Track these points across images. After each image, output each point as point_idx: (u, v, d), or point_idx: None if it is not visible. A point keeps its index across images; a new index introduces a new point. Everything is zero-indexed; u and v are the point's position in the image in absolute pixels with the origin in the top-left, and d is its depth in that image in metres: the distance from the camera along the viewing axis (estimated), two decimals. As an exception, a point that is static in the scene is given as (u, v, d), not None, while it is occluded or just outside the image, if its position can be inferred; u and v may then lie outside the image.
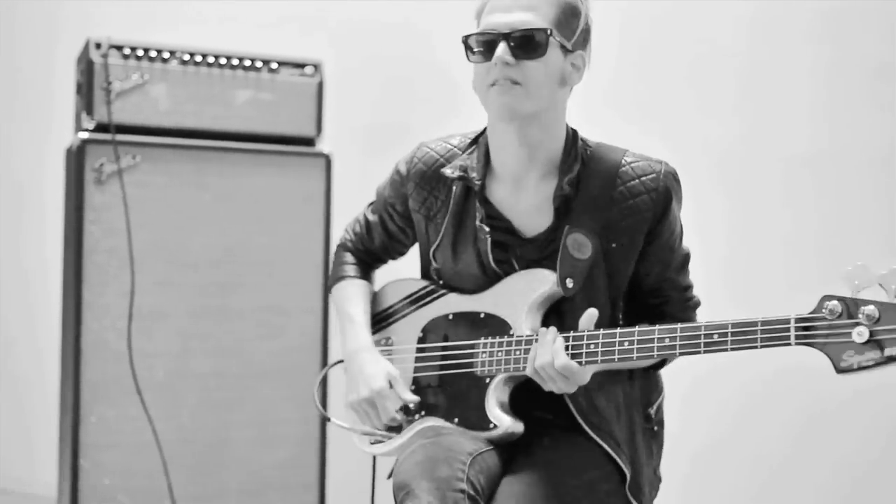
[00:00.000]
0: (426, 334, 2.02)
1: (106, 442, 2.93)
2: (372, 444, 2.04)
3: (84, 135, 2.94)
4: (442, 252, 1.99)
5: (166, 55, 3.02)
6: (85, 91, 2.96)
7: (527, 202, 1.92)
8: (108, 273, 2.94)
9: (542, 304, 1.88)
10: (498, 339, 1.88)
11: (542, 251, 1.90)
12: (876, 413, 2.94)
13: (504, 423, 1.85)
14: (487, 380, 1.89)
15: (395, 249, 2.18)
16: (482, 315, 1.94)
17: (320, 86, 3.21)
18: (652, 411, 1.98)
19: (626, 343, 1.74)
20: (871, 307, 1.50)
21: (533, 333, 1.85)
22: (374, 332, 2.10)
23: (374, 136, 3.83)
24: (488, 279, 1.95)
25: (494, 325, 1.91)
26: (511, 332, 1.88)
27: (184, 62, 3.05)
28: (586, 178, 1.89)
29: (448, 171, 1.96)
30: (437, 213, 1.99)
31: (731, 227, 3.13)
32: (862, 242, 2.95)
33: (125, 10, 3.64)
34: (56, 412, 3.10)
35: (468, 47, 1.87)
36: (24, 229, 3.66)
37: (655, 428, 1.99)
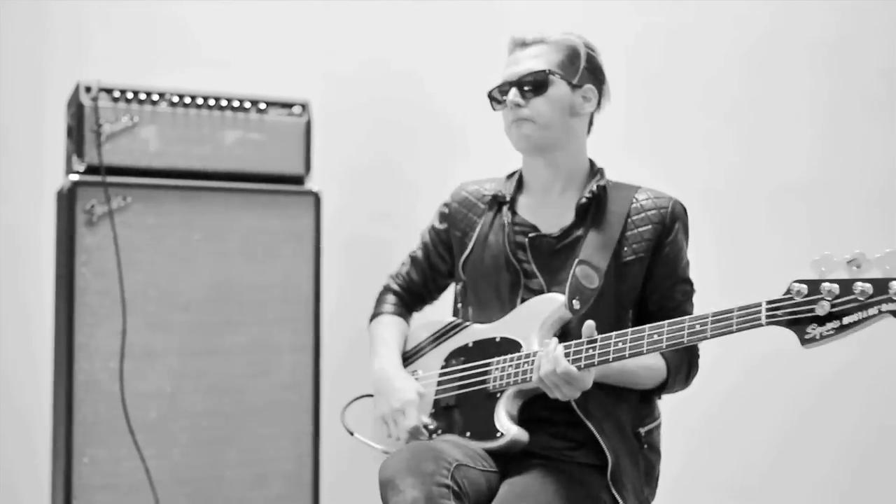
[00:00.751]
0: (448, 362, 2.17)
1: (99, 483, 2.93)
2: None
3: (75, 177, 2.97)
4: (472, 259, 2.19)
5: (155, 97, 3.05)
6: (75, 134, 2.99)
7: (549, 209, 2.15)
8: (100, 314, 2.96)
9: (552, 326, 2.04)
10: (509, 356, 2.02)
11: (555, 245, 2.09)
12: (862, 411, 2.97)
13: (511, 431, 1.98)
14: (499, 394, 2.02)
15: (435, 284, 2.37)
16: (497, 339, 2.09)
17: (308, 125, 3.25)
18: (642, 431, 2.07)
19: (620, 343, 1.86)
20: (832, 284, 1.65)
21: (541, 349, 1.98)
22: (404, 367, 2.25)
23: (362, 173, 3.86)
24: (510, 277, 2.11)
25: (508, 346, 2.06)
26: (522, 349, 2.02)
27: (173, 104, 3.09)
28: (605, 200, 2.11)
29: (486, 192, 2.26)
30: (472, 227, 2.22)
31: (724, 256, 3.15)
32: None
33: (113, 53, 3.68)
34: (49, 453, 3.10)
35: (492, 99, 2.17)
36: (21, 273, 3.67)
37: (645, 447, 2.06)
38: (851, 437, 3.01)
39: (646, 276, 2.07)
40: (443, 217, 2.32)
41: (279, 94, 3.25)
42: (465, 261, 2.21)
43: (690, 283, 2.13)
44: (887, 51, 2.98)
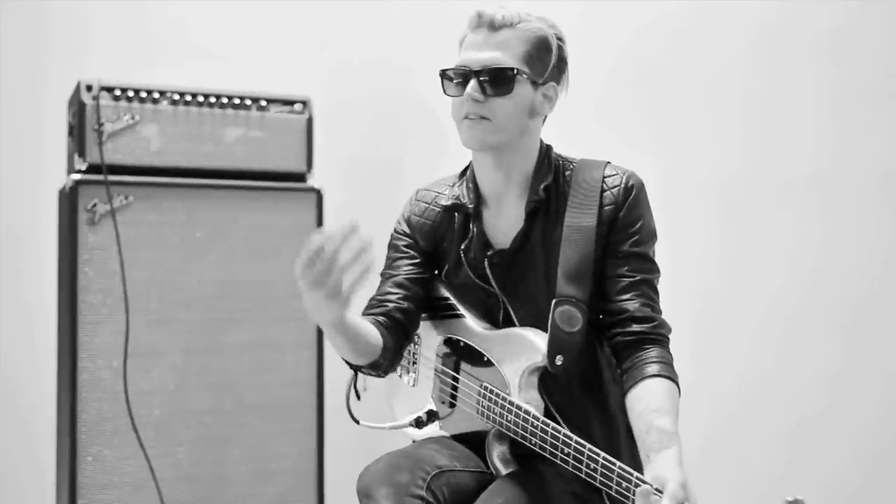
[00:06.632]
0: (443, 347, 2.11)
1: (103, 481, 2.93)
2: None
3: (76, 176, 2.96)
4: (449, 274, 2.09)
5: (156, 95, 3.05)
6: (77, 133, 2.99)
7: (506, 218, 2.02)
8: (103, 313, 2.96)
9: (533, 373, 1.94)
10: (496, 395, 1.95)
11: (511, 258, 1.99)
12: (868, 417, 2.97)
13: (498, 469, 1.96)
14: (487, 424, 1.98)
15: (414, 285, 2.08)
16: (485, 359, 2.01)
17: (309, 122, 3.24)
18: None
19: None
20: None
21: (524, 403, 1.89)
22: None
23: (364, 170, 3.86)
24: (489, 299, 2.03)
25: (494, 377, 1.98)
26: (508, 392, 1.94)
27: (174, 102, 3.08)
28: (564, 192, 1.99)
29: (444, 200, 2.09)
30: (444, 236, 2.09)
31: (731, 248, 3.14)
32: (863, 261, 2.98)
33: (113, 51, 3.68)
34: (52, 453, 3.11)
35: (445, 80, 1.98)
36: (23, 272, 3.67)
37: None
38: (863, 436, 3.01)
39: (606, 253, 1.94)
40: (403, 234, 2.12)
41: (280, 91, 3.25)
42: (446, 272, 2.08)
43: (656, 266, 1.97)
44: (894, 39, 2.97)
